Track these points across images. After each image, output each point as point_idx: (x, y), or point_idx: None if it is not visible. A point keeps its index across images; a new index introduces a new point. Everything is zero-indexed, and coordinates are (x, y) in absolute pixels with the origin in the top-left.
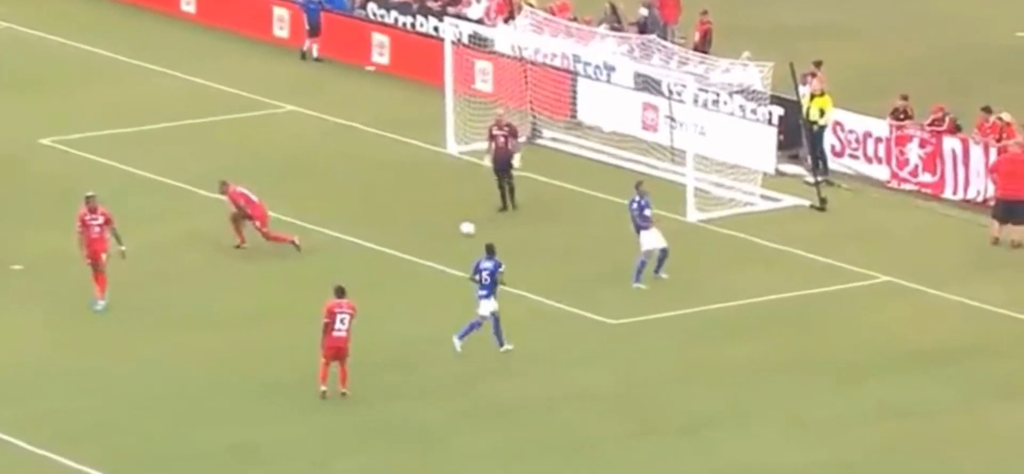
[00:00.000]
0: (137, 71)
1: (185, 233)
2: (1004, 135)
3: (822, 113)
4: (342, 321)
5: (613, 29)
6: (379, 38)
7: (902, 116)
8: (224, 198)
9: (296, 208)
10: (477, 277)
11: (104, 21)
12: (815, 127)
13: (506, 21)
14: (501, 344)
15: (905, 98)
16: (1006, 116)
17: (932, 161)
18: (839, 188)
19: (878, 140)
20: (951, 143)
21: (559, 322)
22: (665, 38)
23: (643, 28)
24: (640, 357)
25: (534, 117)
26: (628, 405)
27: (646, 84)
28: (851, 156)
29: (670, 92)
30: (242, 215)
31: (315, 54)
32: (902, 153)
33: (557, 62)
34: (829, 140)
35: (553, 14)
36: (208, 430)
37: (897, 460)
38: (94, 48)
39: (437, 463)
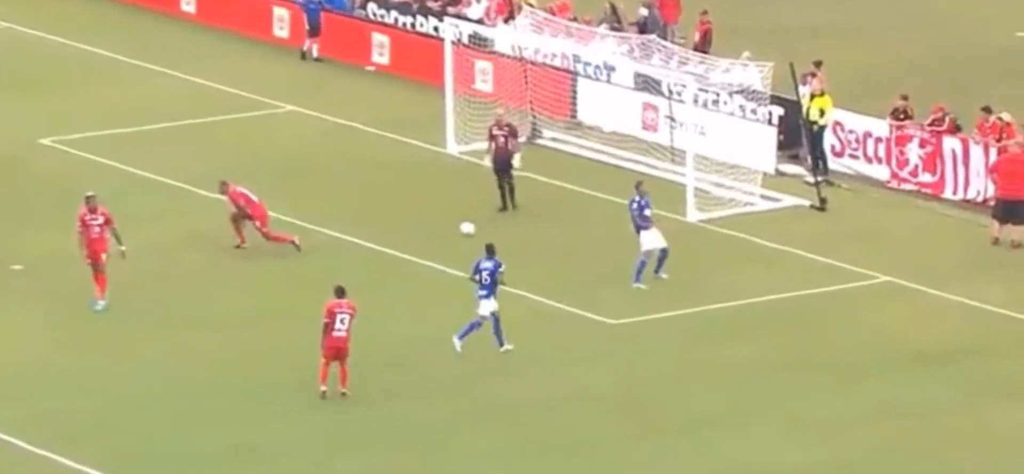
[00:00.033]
0: (137, 71)
1: (185, 233)
2: (1004, 135)
3: (822, 113)
4: (342, 321)
5: (613, 29)
6: (379, 38)
7: (902, 116)
8: (224, 198)
9: (296, 208)
10: (477, 277)
11: (104, 21)
12: (815, 127)
13: (506, 21)
14: (501, 344)
15: (905, 98)
16: (1006, 116)
17: (932, 161)
18: (839, 188)
19: (878, 140)
20: (951, 143)
21: (559, 322)
22: (665, 38)
23: (643, 28)
24: (640, 357)
25: (534, 117)
26: (628, 405)
27: (646, 84)
28: (851, 156)
29: (670, 92)
30: (242, 215)
31: (315, 54)
32: (902, 153)
33: (557, 62)
34: (829, 140)
35: (553, 14)
36: (208, 430)
37: (897, 460)
38: (94, 48)
39: (437, 463)
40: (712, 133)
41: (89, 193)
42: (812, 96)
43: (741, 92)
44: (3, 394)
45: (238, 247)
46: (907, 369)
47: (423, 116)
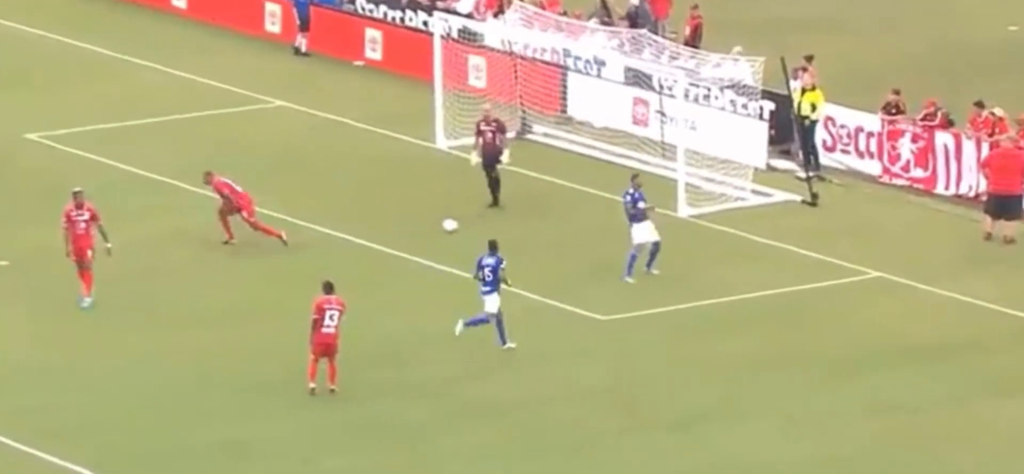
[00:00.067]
0: (125, 66)
1: (172, 229)
2: (996, 130)
3: (813, 108)
4: (331, 317)
5: (603, 23)
6: (372, 33)
7: (894, 111)
8: (209, 189)
9: (285, 204)
10: (479, 274)
11: (93, 16)
12: (806, 122)
13: (496, 15)
14: (503, 342)
15: (897, 93)
16: (998, 111)
17: (924, 156)
18: (831, 183)
19: (870, 135)
20: (943, 138)
21: (549, 318)
22: (656, 33)
23: (633, 22)
24: (631, 353)
25: (524, 112)
26: (619, 401)
27: (637, 79)
28: (843, 151)
29: (661, 87)
30: (229, 207)
31: (304, 49)
32: (894, 148)
33: (547, 57)
34: (820, 135)
35: (543, 8)
36: (195, 427)
37: (888, 455)
38: (82, 43)
39: (426, 460)
40: (703, 128)
41: (76, 189)
42: (803, 91)
43: (732, 87)
44: None
45: (226, 243)
46: (899, 365)
47: (413, 111)
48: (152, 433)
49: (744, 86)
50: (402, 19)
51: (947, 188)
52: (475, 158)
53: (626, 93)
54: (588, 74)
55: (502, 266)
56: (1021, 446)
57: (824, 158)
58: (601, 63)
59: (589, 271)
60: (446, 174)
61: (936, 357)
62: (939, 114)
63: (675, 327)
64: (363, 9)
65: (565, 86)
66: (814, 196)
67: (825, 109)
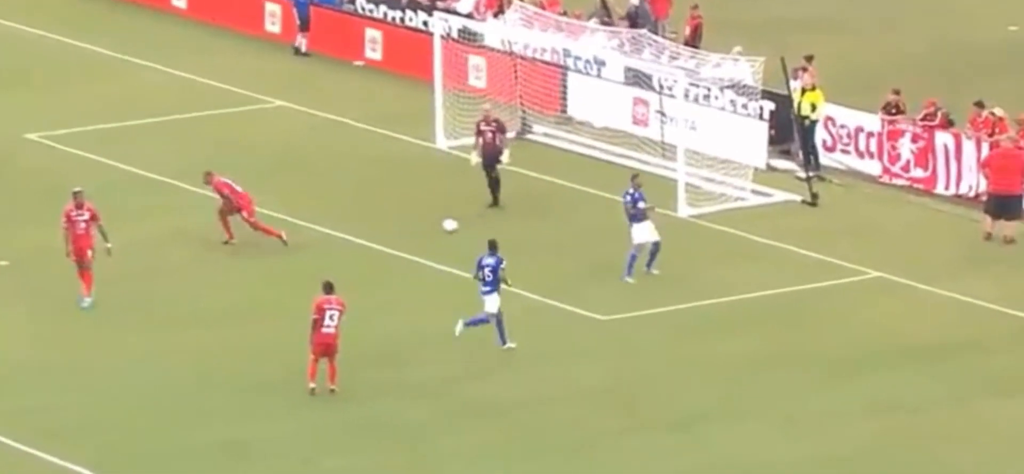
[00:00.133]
0: (124, 66)
1: (172, 229)
2: (996, 130)
3: (813, 108)
4: (331, 317)
5: (603, 23)
6: (372, 33)
7: (894, 111)
8: (209, 189)
9: (285, 204)
10: (479, 274)
11: (92, 16)
12: (806, 122)
13: (496, 15)
14: (503, 341)
15: (897, 92)
16: (998, 111)
17: (924, 156)
18: (830, 183)
19: (870, 135)
20: (943, 138)
21: (549, 318)
22: (656, 33)
23: (633, 22)
24: (631, 353)
25: (524, 112)
26: (619, 401)
27: (637, 79)
28: (843, 151)
29: (661, 87)
30: (229, 207)
31: (304, 49)
32: (894, 148)
33: (547, 57)
34: (820, 135)
35: (543, 8)
36: (195, 427)
37: (888, 455)
38: (82, 43)
39: (426, 460)
40: (703, 128)
41: (76, 189)
42: (803, 91)
43: (732, 87)
44: None
45: (226, 243)
46: (898, 365)
47: (413, 111)
48: (152, 433)
49: (744, 86)
50: (402, 19)
51: (947, 188)
52: (475, 158)
53: (626, 93)
54: (588, 74)
55: (502, 266)
56: (1021, 446)
57: (824, 158)
58: (601, 63)
59: (589, 271)
60: (446, 174)
61: (936, 357)
62: (939, 114)
63: (675, 327)
64: (363, 9)
65: (565, 86)
66: (814, 196)
67: (825, 109)
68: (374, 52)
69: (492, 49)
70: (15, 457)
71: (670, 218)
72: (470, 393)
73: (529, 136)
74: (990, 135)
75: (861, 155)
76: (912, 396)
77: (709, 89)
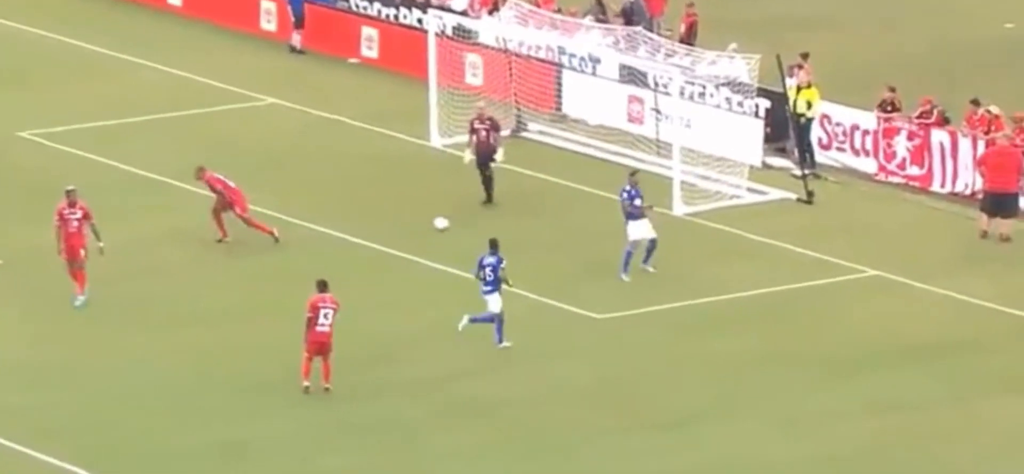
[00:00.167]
0: (119, 64)
1: (167, 228)
2: (992, 128)
3: (809, 105)
4: (326, 316)
5: (598, 21)
6: (367, 31)
7: (890, 108)
8: (201, 184)
9: (279, 202)
10: (480, 273)
11: (88, 14)
12: (802, 120)
13: (490, 13)
14: (500, 340)
15: (893, 90)
16: (994, 108)
17: (920, 154)
18: (826, 181)
19: (865, 133)
20: (939, 136)
21: (544, 317)
22: (651, 30)
23: (628, 20)
24: (626, 352)
25: (519, 110)
26: (614, 400)
27: (632, 76)
28: (838, 149)
29: (656, 84)
30: (222, 203)
31: (299, 46)
32: (890, 146)
33: (542, 54)
34: (816, 133)
35: (538, 6)
36: (191, 426)
37: (885, 454)
38: (77, 41)
39: (421, 459)
40: (698, 126)
41: (69, 187)
42: (799, 88)
43: (728, 85)
44: None
45: (220, 241)
46: (895, 363)
47: (408, 109)
48: (148, 433)
49: (740, 84)
50: (396, 17)
51: (943, 186)
52: (469, 156)
53: (621, 91)
54: (583, 72)
55: (502, 265)
56: (1019, 444)
57: (820, 156)
58: (596, 60)
59: (584, 269)
60: (440, 172)
61: (933, 355)
62: (935, 112)
63: (671, 325)
64: (358, 7)
65: (560, 84)
66: (810, 194)
67: (821, 107)
68: (369, 50)
69: (487, 47)
70: (10, 457)
71: (666, 216)
72: (466, 391)
73: (524, 134)
74: (986, 133)
75: (857, 153)
76: (909, 395)
77: (704, 87)
